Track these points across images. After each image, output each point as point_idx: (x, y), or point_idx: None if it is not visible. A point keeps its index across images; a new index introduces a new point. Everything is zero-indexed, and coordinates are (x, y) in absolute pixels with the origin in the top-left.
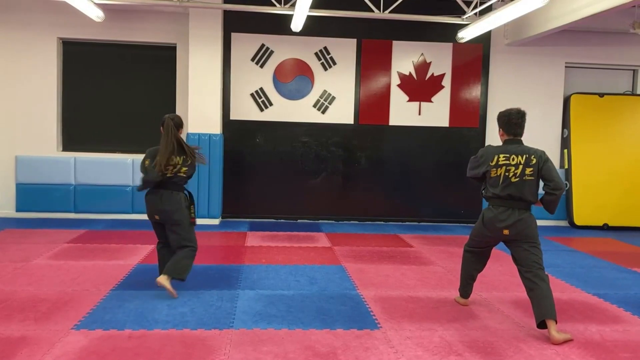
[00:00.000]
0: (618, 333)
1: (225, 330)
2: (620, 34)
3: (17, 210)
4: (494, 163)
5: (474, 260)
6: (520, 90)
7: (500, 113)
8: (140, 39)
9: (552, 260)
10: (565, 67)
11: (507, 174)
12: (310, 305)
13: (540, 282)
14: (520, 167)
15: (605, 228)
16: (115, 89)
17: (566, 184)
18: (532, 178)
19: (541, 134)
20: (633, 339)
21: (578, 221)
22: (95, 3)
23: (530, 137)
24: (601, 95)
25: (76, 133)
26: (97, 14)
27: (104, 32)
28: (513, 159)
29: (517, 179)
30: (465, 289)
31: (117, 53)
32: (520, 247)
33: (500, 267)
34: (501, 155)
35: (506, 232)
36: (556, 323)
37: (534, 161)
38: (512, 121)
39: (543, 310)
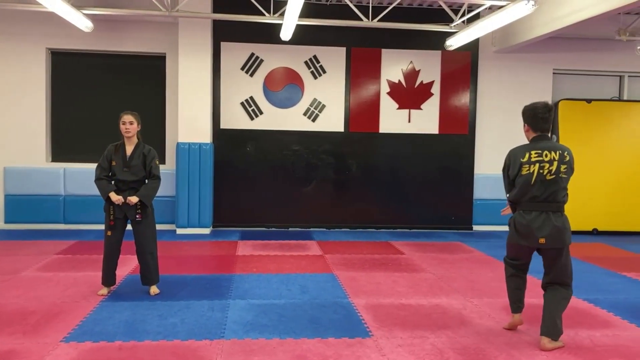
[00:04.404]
0: (608, 338)
1: (216, 341)
2: (606, 41)
3: (6, 221)
4: (525, 159)
5: (519, 278)
6: (509, 96)
7: (525, 107)
8: (130, 48)
9: (536, 267)
10: (553, 73)
11: (541, 171)
12: (302, 314)
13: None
14: (555, 163)
15: (595, 233)
16: (104, 99)
17: None
18: (566, 176)
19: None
20: (623, 343)
21: None
22: (84, 13)
23: (520, 143)
24: (589, 101)
25: (65, 143)
26: (86, 25)
27: (93, 42)
28: (546, 155)
29: (552, 177)
30: (517, 303)
31: (106, 63)
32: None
33: (491, 273)
34: (533, 152)
35: (542, 240)
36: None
37: (568, 158)
38: (539, 115)
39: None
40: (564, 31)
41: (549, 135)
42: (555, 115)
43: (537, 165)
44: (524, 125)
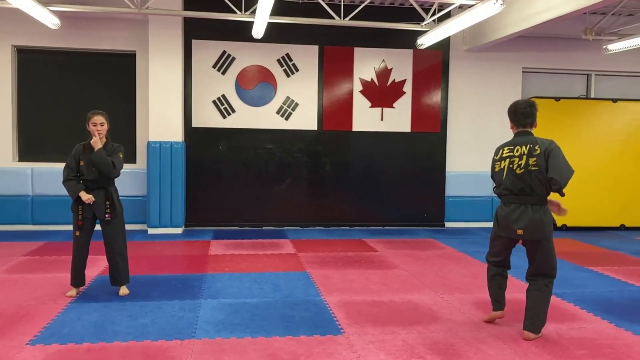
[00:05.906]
0: (574, 331)
1: (187, 341)
2: (574, 40)
3: None
4: (498, 157)
5: (501, 278)
6: (479, 95)
7: (510, 105)
8: (98, 46)
9: (514, 262)
10: (523, 72)
11: (511, 165)
12: (274, 312)
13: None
14: (524, 157)
15: (564, 229)
16: (73, 98)
17: None
18: (537, 169)
19: (500, 138)
20: (588, 336)
21: None
22: (50, 10)
23: (490, 141)
24: (557, 99)
25: (33, 143)
26: (52, 22)
27: (60, 39)
28: (517, 150)
29: (521, 170)
30: (498, 302)
31: (74, 61)
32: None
33: (463, 269)
34: (505, 148)
35: (520, 232)
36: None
37: (538, 151)
38: (519, 111)
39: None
40: (533, 30)
41: (531, 129)
42: None
43: (507, 160)
44: (510, 124)
